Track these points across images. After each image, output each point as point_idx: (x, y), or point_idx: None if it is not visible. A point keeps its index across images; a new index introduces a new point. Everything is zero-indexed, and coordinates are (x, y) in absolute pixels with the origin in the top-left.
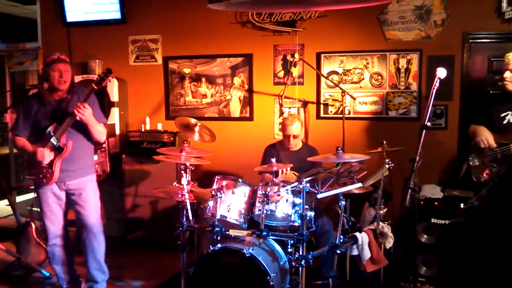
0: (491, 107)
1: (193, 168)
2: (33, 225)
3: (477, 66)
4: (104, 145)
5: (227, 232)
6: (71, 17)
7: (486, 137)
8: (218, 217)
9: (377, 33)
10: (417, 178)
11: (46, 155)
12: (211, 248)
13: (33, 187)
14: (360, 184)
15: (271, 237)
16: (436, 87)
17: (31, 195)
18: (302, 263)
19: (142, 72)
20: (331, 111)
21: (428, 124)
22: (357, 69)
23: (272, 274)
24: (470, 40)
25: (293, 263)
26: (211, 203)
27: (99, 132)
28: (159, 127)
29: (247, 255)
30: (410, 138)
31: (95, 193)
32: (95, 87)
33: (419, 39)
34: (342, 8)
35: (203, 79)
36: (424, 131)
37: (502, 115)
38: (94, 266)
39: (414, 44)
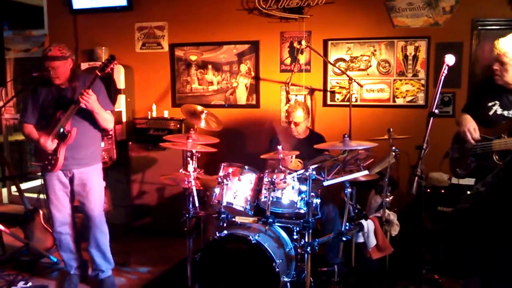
0: (479, 95)
1: (199, 155)
2: (41, 212)
3: (486, 53)
4: (110, 132)
5: (233, 219)
6: (77, 4)
7: (469, 128)
8: (224, 204)
9: (385, 20)
10: (424, 166)
11: (49, 142)
12: (217, 235)
13: (39, 173)
14: (366, 172)
15: (277, 224)
16: (444, 74)
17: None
18: (308, 250)
19: (149, 59)
20: (338, 99)
21: (436, 111)
22: (364, 56)
23: (278, 261)
24: (479, 27)
25: (298, 250)
26: (217, 190)
27: (106, 119)
28: (166, 114)
29: (253, 241)
30: (417, 125)
31: (100, 184)
32: (99, 74)
33: (427, 26)
34: None
35: (210, 66)
36: (431, 118)
37: (489, 104)
38: (98, 256)
39: (422, 31)
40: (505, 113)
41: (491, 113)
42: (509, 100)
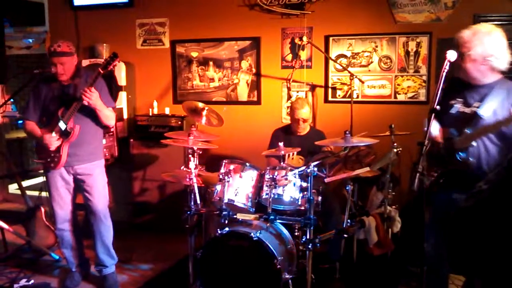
0: (446, 95)
1: (200, 152)
2: (42, 209)
3: None
4: (112, 129)
5: (235, 216)
6: (78, 0)
7: (430, 129)
8: (225, 201)
9: (387, 16)
10: (426, 162)
11: (53, 140)
12: (219, 232)
13: (42, 171)
14: (367, 168)
15: (278, 221)
16: (446, 70)
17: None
18: (309, 246)
19: (150, 56)
20: (339, 95)
21: (437, 107)
22: (365, 52)
23: (279, 258)
24: (481, 23)
25: (300, 246)
26: (218, 187)
27: (107, 116)
28: (167, 111)
29: (254, 238)
30: (418, 122)
31: (103, 179)
32: (102, 71)
33: (429, 22)
34: None
35: (211, 63)
36: (433, 114)
37: (451, 102)
38: (102, 251)
39: (424, 26)
40: (467, 110)
41: (453, 111)
42: (471, 97)
